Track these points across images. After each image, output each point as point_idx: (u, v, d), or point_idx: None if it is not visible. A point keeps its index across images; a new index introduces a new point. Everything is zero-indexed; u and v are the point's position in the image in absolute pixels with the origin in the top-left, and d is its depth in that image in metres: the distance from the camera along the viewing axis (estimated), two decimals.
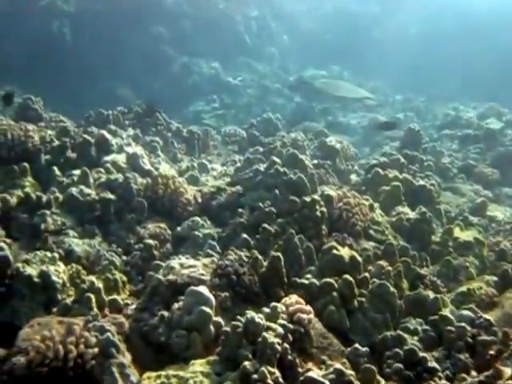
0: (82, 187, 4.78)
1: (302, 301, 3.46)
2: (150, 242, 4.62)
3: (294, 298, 3.51)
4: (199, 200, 5.25)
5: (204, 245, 4.74)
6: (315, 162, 5.78)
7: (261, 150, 5.87)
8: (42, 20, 12.95)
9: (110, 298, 3.76)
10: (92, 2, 14.08)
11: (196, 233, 4.84)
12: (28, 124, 5.22)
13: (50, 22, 13.02)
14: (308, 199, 4.35)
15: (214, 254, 4.46)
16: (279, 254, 3.86)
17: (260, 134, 7.33)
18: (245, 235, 4.49)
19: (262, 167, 5.13)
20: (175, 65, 14.24)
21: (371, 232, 4.80)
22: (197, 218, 4.94)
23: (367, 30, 21.60)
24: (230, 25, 16.27)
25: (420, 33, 21.33)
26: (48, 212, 4.53)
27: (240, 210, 4.83)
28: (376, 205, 5.10)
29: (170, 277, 3.73)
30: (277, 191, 4.83)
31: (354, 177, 6.55)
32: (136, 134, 6.06)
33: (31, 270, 3.62)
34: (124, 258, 4.55)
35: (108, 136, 5.41)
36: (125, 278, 4.17)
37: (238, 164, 6.05)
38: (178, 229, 4.93)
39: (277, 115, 8.23)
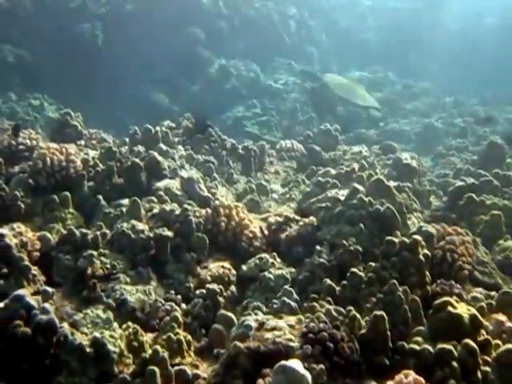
0: (134, 222, 4.14)
1: (422, 381, 2.77)
2: (215, 287, 3.97)
3: (411, 376, 2.82)
4: (265, 232, 4.58)
5: (276, 288, 4.08)
6: (394, 184, 5.05)
7: (332, 172, 5.16)
8: (72, 23, 12.44)
9: (177, 368, 3.11)
10: (124, 2, 13.56)
11: (266, 274, 4.17)
12: (69, 145, 4.61)
13: (81, 24, 12.49)
14: (408, 240, 3.63)
15: (291, 302, 3.79)
16: (383, 313, 3.16)
17: (320, 149, 6.61)
18: (329, 282, 3.80)
19: (340, 194, 4.43)
20: (212, 68, 13.60)
21: (477, 275, 4.07)
22: (265, 256, 4.28)
23: (409, 27, 20.77)
24: (268, 24, 15.60)
25: (464, 30, 20.41)
26: (95, 253, 3.91)
27: (318, 247, 4.14)
28: (478, 240, 4.36)
29: (251, 343, 3.07)
30: (361, 225, 4.13)
31: (433, 200, 5.79)
32: (190, 154, 5.40)
33: (82, 338, 2.99)
34: (183, 306, 3.92)
35: (159, 158, 4.77)
36: (189, 337, 3.51)
37: (305, 187, 5.38)
38: (244, 268, 4.28)
39: (335, 126, 7.50)
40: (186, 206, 4.29)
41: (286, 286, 3.98)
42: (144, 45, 13.30)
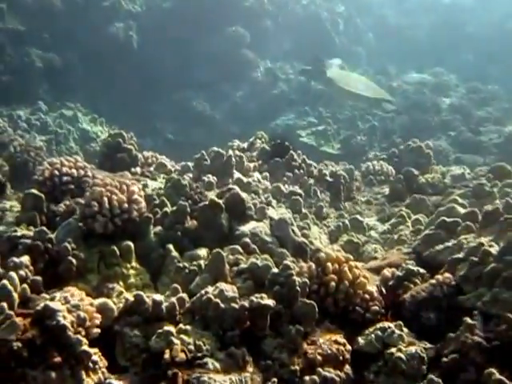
0: (222, 286, 3.25)
1: None
2: (331, 375, 3.07)
3: None
4: (383, 290, 3.66)
5: (409, 372, 3.20)
6: None
7: (459, 209, 4.19)
8: (104, 23, 11.70)
9: None
10: (161, 0, 12.80)
11: (393, 351, 3.26)
12: (131, 181, 3.75)
13: (115, 24, 11.74)
14: None
15: None
16: None
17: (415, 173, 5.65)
18: (496, 374, 2.86)
19: (486, 244, 3.48)
20: (257, 71, 12.72)
21: None
22: (389, 325, 3.37)
23: (461, 24, 19.75)
24: (316, 23, 14.69)
25: None
26: (173, 330, 3.02)
27: (468, 319, 3.20)
28: None
29: None
30: None
31: None
32: (277, 187, 4.48)
33: None
34: None
35: (243, 195, 3.88)
36: None
37: (412, 223, 4.43)
38: (361, 341, 3.37)
39: (427, 143, 6.51)
40: (287, 261, 3.38)
41: (432, 376, 3.05)
42: (182, 47, 12.54)
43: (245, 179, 4.33)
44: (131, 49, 11.82)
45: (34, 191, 4.03)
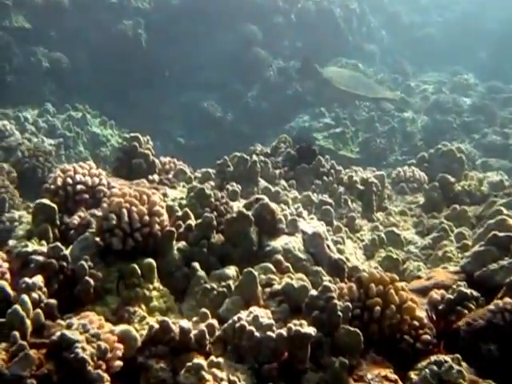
0: (256, 311, 2.94)
1: None
2: None
3: None
4: (433, 316, 3.34)
5: None
6: None
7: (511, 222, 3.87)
8: (112, 20, 11.39)
9: None
10: None
11: None
12: (151, 190, 3.44)
13: (123, 22, 11.43)
14: None
15: None
16: None
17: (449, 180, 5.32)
18: None
19: None
20: (270, 70, 12.39)
21: None
22: (444, 358, 3.03)
23: (476, 22, 19.47)
24: (329, 19, 14.35)
25: None
26: (203, 363, 2.71)
27: None
28: None
29: None
30: None
31: None
32: (307, 196, 4.16)
33: None
34: None
35: (273, 206, 3.56)
36: None
37: (468, 243, 4.10)
38: (413, 377, 3.03)
39: (459, 146, 6.18)
40: (326, 283, 3.06)
41: None
42: (192, 45, 12.24)
43: (272, 188, 4.00)
44: (140, 47, 11.52)
45: (46, 201, 3.73)
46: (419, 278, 3.88)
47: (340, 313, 3.01)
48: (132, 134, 4.46)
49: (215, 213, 3.64)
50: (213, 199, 3.70)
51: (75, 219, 3.67)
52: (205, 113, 11.58)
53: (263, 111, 11.78)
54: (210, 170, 4.60)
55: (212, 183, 4.42)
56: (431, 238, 4.45)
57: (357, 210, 4.67)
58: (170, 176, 4.40)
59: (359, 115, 10.86)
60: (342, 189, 4.67)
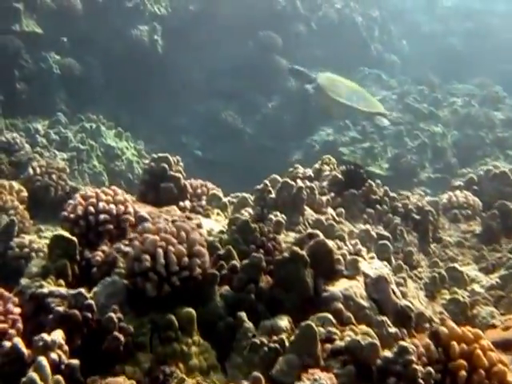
0: (317, 375, 2.46)
1: None
2: None
3: None
4: None
5: None
6: None
7: None
8: (128, 25, 10.96)
9: None
10: (187, 2, 12.07)
11: None
12: (190, 225, 2.96)
13: (138, 27, 11.00)
14: None
15: None
16: None
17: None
18: None
19: None
20: (291, 79, 11.93)
21: None
22: None
23: (497, 31, 19.03)
24: (351, 28, 13.92)
25: None
26: None
27: None
28: None
29: None
30: None
31: None
32: (366, 231, 3.67)
33: None
34: None
35: (330, 244, 3.08)
36: None
37: None
38: None
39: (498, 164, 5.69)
40: (403, 343, 2.58)
41: None
42: (210, 52, 11.81)
43: (323, 219, 3.51)
44: (156, 54, 11.09)
45: (65, 234, 3.26)
46: (493, 326, 3.39)
47: (421, 381, 2.52)
48: (160, 154, 3.99)
49: (262, 250, 3.16)
50: (258, 234, 3.22)
51: (98, 255, 3.19)
52: (223, 124, 11.12)
53: (284, 123, 11.32)
54: (246, 195, 4.12)
55: (250, 210, 3.94)
56: (499, 276, 3.95)
57: (413, 243, 4.18)
58: (203, 202, 3.92)
59: (386, 129, 10.36)
60: (398, 219, 4.18)
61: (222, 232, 3.38)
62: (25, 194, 5.12)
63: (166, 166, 3.94)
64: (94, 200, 3.46)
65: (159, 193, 3.92)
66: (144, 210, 3.69)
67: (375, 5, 15.95)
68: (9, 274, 4.48)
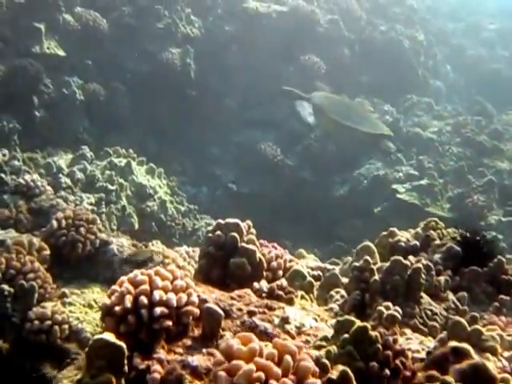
0: None
1: None
2: None
3: None
4: None
5: None
6: None
7: None
8: (158, 48, 10.24)
9: None
10: (222, 22, 11.36)
11: None
12: (297, 344, 2.09)
13: (169, 50, 10.28)
14: None
15: None
16: None
17: None
18: None
19: None
20: None
21: None
22: None
23: None
24: (397, 52, 13.12)
25: None
26: None
27: None
28: None
29: None
30: None
31: None
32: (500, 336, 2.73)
33: None
34: None
35: (491, 369, 2.18)
36: None
37: None
38: None
39: None
40: None
41: None
42: (247, 77, 11.09)
43: (465, 323, 2.60)
44: (188, 78, 10.34)
45: (109, 338, 2.42)
46: None
47: None
48: (229, 220, 3.12)
49: (387, 370, 2.27)
50: (380, 345, 2.33)
51: (156, 370, 2.34)
52: (261, 155, 10.29)
53: (328, 154, 10.47)
54: (336, 271, 3.24)
55: (343, 293, 3.06)
56: None
57: None
58: (284, 282, 3.04)
59: (447, 164, 9.46)
60: None
61: (325, 339, 2.49)
62: (47, 252, 4.32)
63: (237, 235, 3.07)
64: (146, 287, 2.61)
65: (227, 269, 3.05)
66: (209, 295, 2.84)
67: (422, 27, 15.24)
68: (25, 352, 3.76)
